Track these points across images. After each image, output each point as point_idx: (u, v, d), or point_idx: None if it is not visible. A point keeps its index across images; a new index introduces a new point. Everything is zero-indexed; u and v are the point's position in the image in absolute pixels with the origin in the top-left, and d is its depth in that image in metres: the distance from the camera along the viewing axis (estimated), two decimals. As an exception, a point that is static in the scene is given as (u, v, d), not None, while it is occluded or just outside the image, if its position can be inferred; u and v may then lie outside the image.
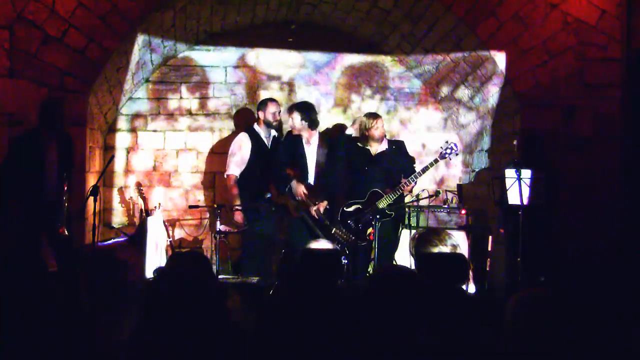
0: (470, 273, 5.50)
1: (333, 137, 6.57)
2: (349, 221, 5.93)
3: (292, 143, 6.35)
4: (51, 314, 2.87)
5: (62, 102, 5.22)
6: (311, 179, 6.24)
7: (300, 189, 6.06)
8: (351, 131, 6.24)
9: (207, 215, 6.93)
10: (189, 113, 7.18)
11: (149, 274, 6.00)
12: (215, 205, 6.05)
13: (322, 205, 6.07)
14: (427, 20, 6.34)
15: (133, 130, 7.09)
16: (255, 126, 6.48)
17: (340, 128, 7.10)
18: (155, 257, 6.26)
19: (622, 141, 5.93)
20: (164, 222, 6.59)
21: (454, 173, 7.39)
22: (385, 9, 6.47)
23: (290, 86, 7.30)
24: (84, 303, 4.89)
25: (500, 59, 6.08)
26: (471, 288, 5.64)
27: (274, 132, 6.54)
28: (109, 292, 5.29)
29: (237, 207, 6.14)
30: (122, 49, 5.94)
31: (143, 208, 6.54)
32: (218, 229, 5.82)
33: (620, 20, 5.91)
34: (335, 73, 7.36)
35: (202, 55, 7.19)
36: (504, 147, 6.28)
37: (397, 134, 7.24)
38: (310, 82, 7.32)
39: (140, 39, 6.10)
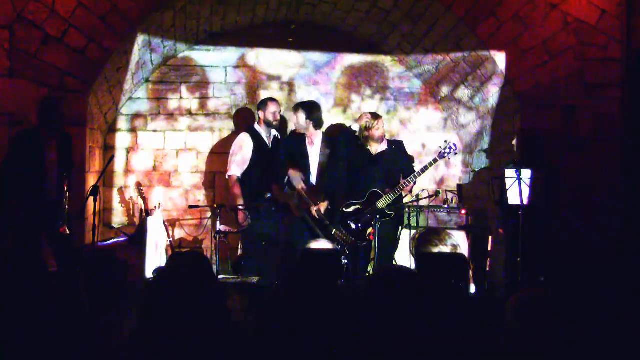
0: (470, 273, 5.52)
1: (334, 137, 6.56)
2: (348, 221, 5.93)
3: (294, 143, 6.36)
4: (51, 314, 2.87)
5: (60, 101, 5.22)
6: (313, 179, 6.24)
7: (299, 180, 6.06)
8: (356, 127, 6.22)
9: (207, 215, 6.93)
10: (189, 113, 7.18)
11: (149, 274, 6.00)
12: (215, 205, 6.05)
13: (323, 206, 6.07)
14: (427, 20, 6.34)
15: (133, 130, 7.09)
16: (256, 126, 6.48)
17: (340, 128, 7.10)
18: (155, 257, 6.26)
19: (622, 141, 5.93)
20: (164, 222, 6.58)
21: (454, 173, 7.39)
22: (385, 9, 6.47)
23: (290, 86, 7.30)
24: (84, 303, 4.88)
25: (500, 59, 6.08)
26: (471, 288, 5.65)
27: (274, 132, 6.54)
28: (109, 292, 5.28)
29: (239, 206, 6.14)
30: (122, 49, 5.95)
31: (143, 208, 6.54)
32: (218, 229, 5.82)
33: (620, 20, 5.92)
34: (335, 73, 7.36)
35: (202, 55, 7.19)
36: (504, 147, 6.28)
37: (397, 134, 7.24)
38: (310, 82, 7.32)
39: (140, 39, 6.10)
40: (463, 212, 6.24)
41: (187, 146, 7.17)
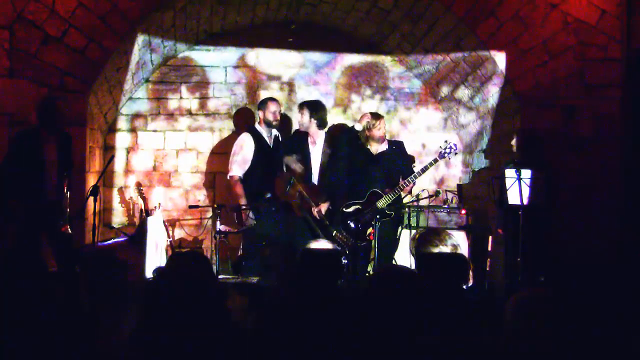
0: (470, 273, 5.52)
1: (335, 137, 6.56)
2: (348, 221, 5.92)
3: (297, 142, 6.35)
4: (51, 314, 2.87)
5: (59, 101, 5.22)
6: (315, 179, 6.24)
7: (294, 162, 6.07)
8: (359, 127, 6.22)
9: (207, 215, 6.92)
10: (189, 113, 7.18)
11: (149, 274, 6.00)
12: (215, 205, 6.05)
13: (324, 207, 6.06)
14: (427, 20, 6.34)
15: (133, 130, 7.08)
16: (257, 126, 6.48)
17: (341, 128, 7.09)
18: (155, 257, 6.26)
19: (622, 141, 5.93)
20: (164, 222, 6.58)
21: (454, 173, 7.39)
22: (385, 9, 6.47)
23: (290, 86, 7.30)
24: (84, 303, 4.88)
25: (500, 59, 6.08)
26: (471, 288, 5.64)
27: (275, 132, 6.53)
28: (109, 292, 5.28)
29: (243, 206, 6.14)
30: (122, 49, 5.95)
31: (143, 208, 6.54)
32: (218, 229, 5.82)
33: (620, 20, 5.92)
34: (335, 73, 7.36)
35: (202, 55, 7.19)
36: (504, 147, 6.28)
37: (397, 134, 7.24)
38: (310, 82, 7.32)
39: (140, 39, 6.10)
40: (463, 212, 6.24)
41: (187, 146, 7.17)
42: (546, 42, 5.97)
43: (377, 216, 5.72)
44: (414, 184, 6.08)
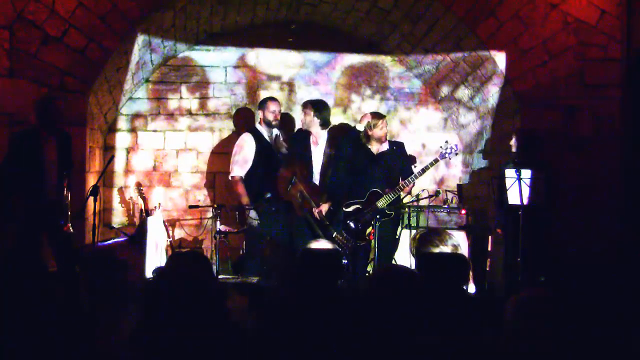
0: (470, 273, 5.51)
1: (337, 138, 6.55)
2: (348, 221, 5.92)
3: (298, 142, 6.34)
4: (51, 314, 2.88)
5: (57, 100, 5.21)
6: (316, 179, 6.23)
7: (281, 142, 6.10)
8: (361, 127, 6.22)
9: (207, 215, 6.92)
10: (189, 113, 7.18)
11: (149, 274, 6.00)
12: (215, 205, 6.05)
13: (325, 207, 6.05)
14: (427, 20, 6.34)
15: (133, 130, 7.09)
16: (257, 126, 6.48)
17: (343, 128, 7.09)
18: (155, 257, 6.26)
19: (622, 141, 5.93)
20: (164, 222, 6.58)
21: (454, 173, 7.39)
22: (385, 9, 6.47)
23: (290, 86, 7.30)
24: (84, 303, 4.88)
25: (500, 59, 6.08)
26: (471, 288, 5.64)
27: (276, 132, 6.53)
28: (109, 292, 5.28)
29: (246, 206, 6.14)
30: (122, 49, 5.95)
31: (143, 208, 6.54)
32: (218, 229, 5.82)
33: (620, 20, 5.92)
34: (335, 73, 7.36)
35: (202, 55, 7.19)
36: (504, 147, 6.28)
37: (397, 134, 7.24)
38: (310, 82, 7.32)
39: (140, 39, 6.10)
40: (463, 212, 6.24)
41: (187, 146, 7.17)
42: (546, 42, 5.97)
43: (377, 216, 5.72)
44: (414, 184, 6.08)
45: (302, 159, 6.24)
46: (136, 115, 7.09)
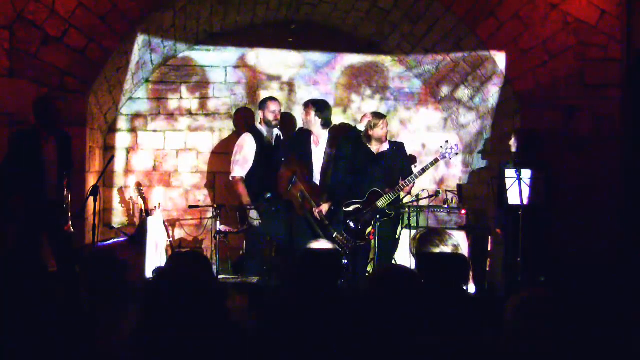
0: (470, 273, 5.51)
1: (338, 137, 6.55)
2: (348, 220, 5.92)
3: (299, 140, 6.34)
4: (51, 314, 2.87)
5: (55, 99, 5.21)
6: (316, 179, 6.23)
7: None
8: (362, 127, 6.22)
9: (207, 215, 6.92)
10: (189, 113, 7.18)
11: (149, 274, 6.00)
12: (215, 205, 6.05)
13: (325, 207, 6.05)
14: (427, 20, 6.34)
15: (133, 130, 7.09)
16: (258, 126, 6.48)
17: (344, 128, 7.09)
18: (155, 257, 6.26)
19: (622, 141, 5.93)
20: (164, 222, 6.58)
21: (454, 173, 7.39)
22: (385, 9, 6.47)
23: (290, 86, 7.30)
24: (84, 303, 4.88)
25: (500, 59, 6.08)
26: (471, 288, 5.64)
27: (277, 131, 6.52)
28: (109, 292, 5.28)
29: (248, 206, 6.14)
30: (122, 49, 5.95)
31: (143, 208, 6.54)
32: (218, 229, 5.82)
33: (620, 20, 5.92)
34: (335, 73, 7.36)
35: (202, 55, 7.19)
36: (504, 147, 6.29)
37: (397, 134, 7.24)
38: (310, 82, 7.32)
39: (140, 39, 6.10)
40: (463, 212, 6.24)
41: (187, 146, 7.17)
42: (546, 42, 5.97)
43: (377, 216, 5.72)
44: (414, 184, 6.08)
45: (302, 159, 6.24)
46: (136, 115, 7.09)
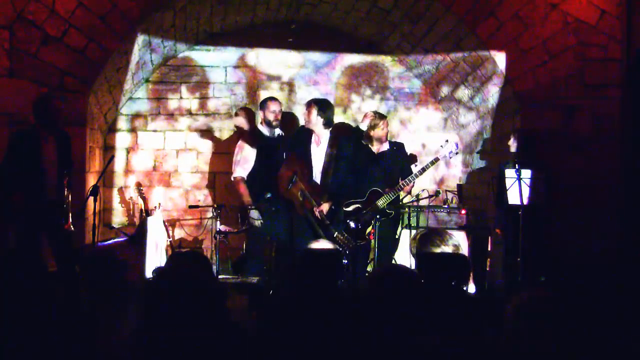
0: (470, 273, 5.51)
1: (339, 137, 6.54)
2: (348, 220, 5.92)
3: (299, 140, 6.34)
4: (51, 314, 2.87)
5: (56, 99, 5.21)
6: (317, 179, 6.22)
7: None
8: (364, 127, 6.21)
9: (207, 215, 6.92)
10: (189, 113, 7.18)
11: (149, 274, 5.99)
12: (215, 205, 6.05)
13: (326, 207, 6.05)
14: (427, 20, 6.34)
15: (133, 130, 7.09)
16: (259, 126, 6.47)
17: (344, 128, 7.08)
18: (155, 257, 6.26)
19: (622, 141, 5.93)
20: (164, 222, 6.58)
21: (454, 173, 7.39)
22: (385, 9, 6.47)
23: (290, 86, 7.30)
24: (84, 303, 4.88)
25: (500, 59, 6.08)
26: (471, 288, 5.64)
27: (279, 131, 6.52)
28: (109, 292, 5.27)
29: (249, 207, 6.14)
30: (122, 49, 5.95)
31: (143, 208, 6.54)
32: (218, 229, 5.82)
33: (620, 20, 5.92)
34: (335, 73, 7.36)
35: (202, 55, 7.19)
36: (504, 147, 6.29)
37: (397, 134, 7.24)
38: (310, 82, 7.32)
39: (140, 39, 6.10)
40: (463, 212, 6.24)
41: (187, 146, 7.17)
42: (546, 42, 5.97)
43: (377, 215, 5.72)
44: (414, 184, 6.09)
45: (303, 158, 6.23)
46: (136, 115, 7.09)
